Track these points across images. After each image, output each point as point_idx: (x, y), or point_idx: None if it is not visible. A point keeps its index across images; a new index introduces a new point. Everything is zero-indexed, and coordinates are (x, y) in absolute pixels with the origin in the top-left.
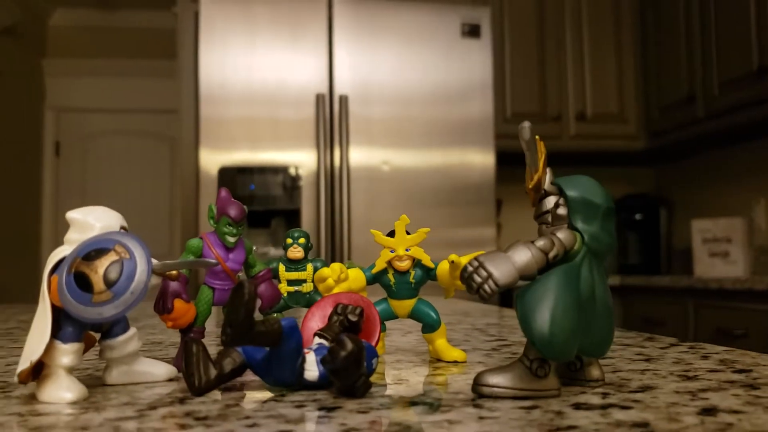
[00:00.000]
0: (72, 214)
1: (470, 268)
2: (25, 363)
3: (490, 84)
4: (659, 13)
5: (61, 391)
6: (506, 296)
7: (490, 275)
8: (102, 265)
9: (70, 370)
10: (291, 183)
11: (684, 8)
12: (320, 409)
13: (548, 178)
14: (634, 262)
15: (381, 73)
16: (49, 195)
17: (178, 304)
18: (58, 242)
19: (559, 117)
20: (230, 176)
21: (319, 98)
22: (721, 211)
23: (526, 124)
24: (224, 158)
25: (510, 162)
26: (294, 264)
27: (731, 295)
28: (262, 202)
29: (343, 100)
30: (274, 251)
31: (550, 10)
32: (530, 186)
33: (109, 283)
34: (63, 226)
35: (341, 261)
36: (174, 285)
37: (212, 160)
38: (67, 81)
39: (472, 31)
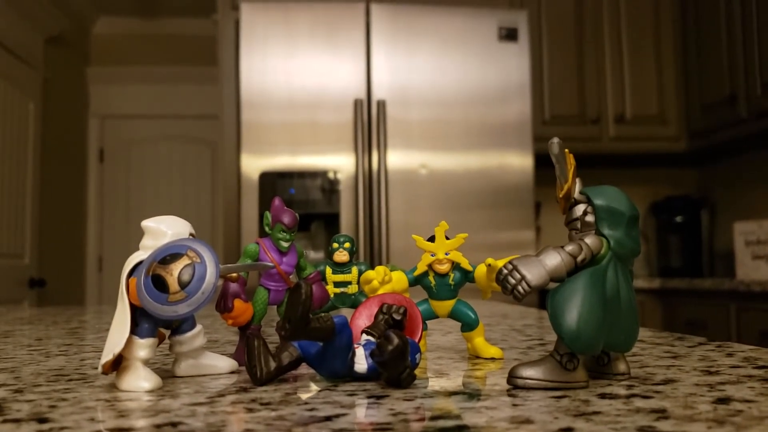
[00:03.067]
0: (146, 223)
1: (505, 271)
2: (108, 356)
3: (528, 87)
4: (699, 11)
5: (140, 381)
6: (545, 299)
7: (523, 277)
8: (176, 268)
9: (146, 363)
10: (330, 187)
11: (725, 5)
12: (370, 397)
13: (577, 187)
14: (676, 264)
15: (418, 78)
16: (94, 200)
17: (238, 303)
18: (103, 245)
19: (598, 119)
20: (271, 181)
21: (357, 103)
22: (765, 213)
23: (555, 140)
24: (265, 163)
25: (549, 164)
26: (340, 267)
27: None
28: (302, 206)
29: (381, 104)
30: (314, 255)
31: (588, 11)
32: (560, 195)
33: (182, 285)
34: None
35: (380, 264)
36: (234, 286)
37: (253, 164)
38: (111, 88)
39: (509, 35)
